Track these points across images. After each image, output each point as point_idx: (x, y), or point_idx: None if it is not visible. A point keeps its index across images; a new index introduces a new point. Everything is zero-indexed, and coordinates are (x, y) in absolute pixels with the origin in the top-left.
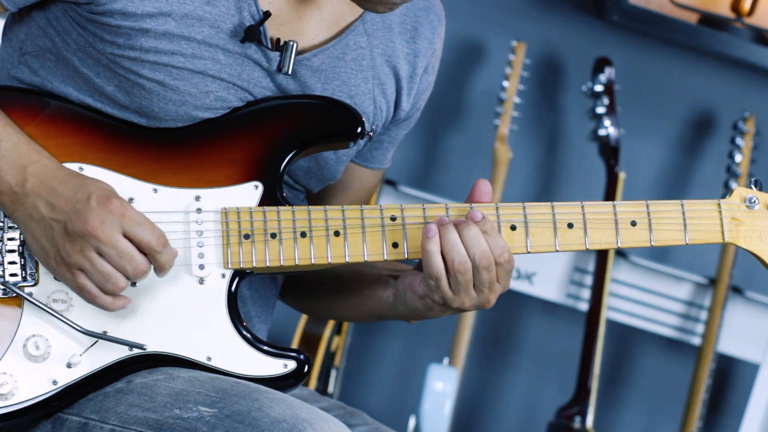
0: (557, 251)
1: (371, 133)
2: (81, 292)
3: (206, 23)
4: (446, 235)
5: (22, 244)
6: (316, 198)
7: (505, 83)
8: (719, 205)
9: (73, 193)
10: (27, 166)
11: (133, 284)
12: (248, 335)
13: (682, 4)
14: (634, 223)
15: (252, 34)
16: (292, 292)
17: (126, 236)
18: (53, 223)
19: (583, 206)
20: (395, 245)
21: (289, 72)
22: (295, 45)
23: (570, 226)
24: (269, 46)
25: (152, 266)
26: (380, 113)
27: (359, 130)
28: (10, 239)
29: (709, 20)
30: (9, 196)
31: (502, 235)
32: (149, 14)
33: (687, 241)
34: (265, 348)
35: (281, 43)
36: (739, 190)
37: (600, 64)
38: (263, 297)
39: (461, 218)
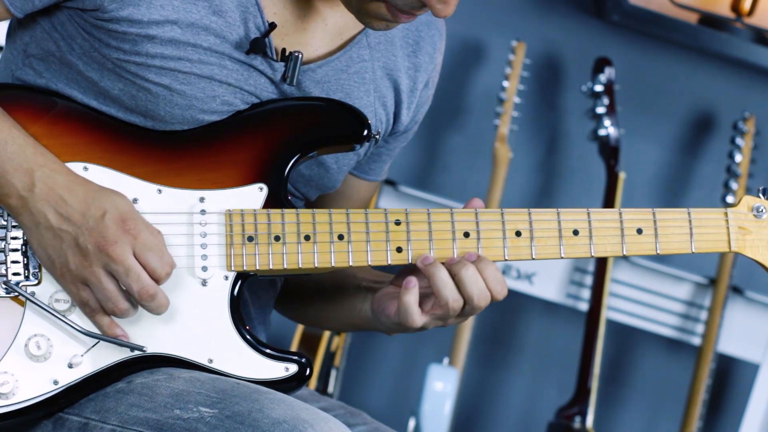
0: (562, 258)
1: (377, 136)
2: (81, 305)
3: (212, 33)
4: (437, 274)
5: (25, 243)
6: (314, 206)
7: (505, 83)
8: (726, 213)
9: (85, 207)
10: (34, 169)
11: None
12: (250, 338)
13: (682, 4)
14: (640, 231)
15: (257, 46)
16: (283, 302)
17: (135, 257)
18: (62, 234)
19: (588, 213)
20: (399, 250)
21: (294, 83)
22: (300, 56)
23: (575, 233)
24: (275, 57)
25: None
26: (380, 125)
27: (365, 132)
28: (13, 238)
29: (709, 20)
30: (16, 200)
31: (506, 241)
32: (155, 21)
33: (693, 250)
34: (267, 351)
35: (287, 53)
36: (747, 199)
37: (600, 64)
38: (262, 300)
39: (452, 258)
